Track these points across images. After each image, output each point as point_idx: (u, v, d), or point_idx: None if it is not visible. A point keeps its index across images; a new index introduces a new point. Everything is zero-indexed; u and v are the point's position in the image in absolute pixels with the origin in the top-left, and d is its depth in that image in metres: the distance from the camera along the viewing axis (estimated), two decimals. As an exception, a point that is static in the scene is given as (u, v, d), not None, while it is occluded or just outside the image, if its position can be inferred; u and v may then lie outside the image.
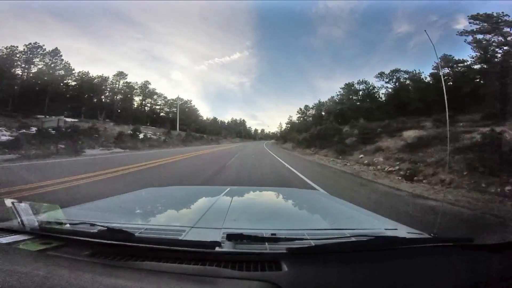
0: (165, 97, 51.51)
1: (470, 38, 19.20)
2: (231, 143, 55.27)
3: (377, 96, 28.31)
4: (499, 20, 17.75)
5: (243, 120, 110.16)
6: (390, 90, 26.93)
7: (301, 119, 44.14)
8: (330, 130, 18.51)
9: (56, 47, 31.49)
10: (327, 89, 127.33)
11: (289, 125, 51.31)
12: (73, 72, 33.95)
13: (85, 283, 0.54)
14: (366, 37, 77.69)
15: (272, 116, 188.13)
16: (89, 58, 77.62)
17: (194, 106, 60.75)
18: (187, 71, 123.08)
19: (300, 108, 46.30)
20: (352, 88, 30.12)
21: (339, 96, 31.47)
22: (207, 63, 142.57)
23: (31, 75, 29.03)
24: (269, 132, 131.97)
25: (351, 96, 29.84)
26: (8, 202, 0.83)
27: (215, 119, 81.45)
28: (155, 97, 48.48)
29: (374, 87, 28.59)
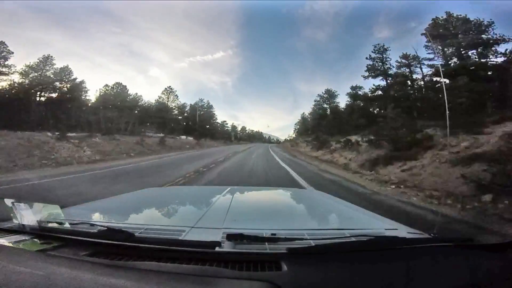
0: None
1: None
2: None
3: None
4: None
5: (208, 104, 57.16)
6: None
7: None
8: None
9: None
10: (308, 92, 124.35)
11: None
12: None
13: (85, 283, 0.54)
14: (347, 41, 78.35)
15: (254, 117, 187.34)
16: (62, 51, 71.02)
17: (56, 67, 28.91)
18: (166, 68, 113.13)
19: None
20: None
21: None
22: (188, 61, 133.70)
23: None
24: (253, 130, 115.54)
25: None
26: (8, 202, 0.84)
27: (122, 87, 37.53)
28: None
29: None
